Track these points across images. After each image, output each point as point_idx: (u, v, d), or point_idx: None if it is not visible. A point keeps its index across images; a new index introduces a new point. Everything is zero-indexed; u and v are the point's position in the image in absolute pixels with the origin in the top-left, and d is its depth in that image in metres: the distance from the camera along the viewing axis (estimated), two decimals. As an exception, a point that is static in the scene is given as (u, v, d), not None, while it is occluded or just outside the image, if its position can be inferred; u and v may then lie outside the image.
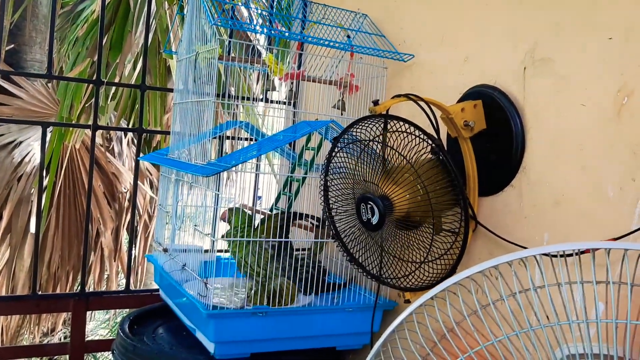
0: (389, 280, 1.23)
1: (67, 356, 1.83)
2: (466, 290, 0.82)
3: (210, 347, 1.30)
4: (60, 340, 4.82)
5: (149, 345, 1.41)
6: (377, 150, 1.20)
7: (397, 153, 1.16)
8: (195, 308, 1.31)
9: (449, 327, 0.84)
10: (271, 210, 1.68)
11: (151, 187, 4.61)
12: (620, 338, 0.71)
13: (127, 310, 2.01)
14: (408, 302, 1.24)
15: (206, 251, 1.48)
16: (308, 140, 1.61)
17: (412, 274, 1.19)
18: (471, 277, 0.79)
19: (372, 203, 1.16)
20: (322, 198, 1.29)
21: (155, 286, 1.89)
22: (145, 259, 4.38)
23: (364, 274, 1.26)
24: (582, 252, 0.76)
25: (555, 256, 0.79)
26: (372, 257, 1.26)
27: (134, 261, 4.66)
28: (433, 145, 1.13)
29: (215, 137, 1.55)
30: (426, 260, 1.17)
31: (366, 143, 1.21)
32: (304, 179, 1.57)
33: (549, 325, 0.75)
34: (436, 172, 1.15)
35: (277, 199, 1.68)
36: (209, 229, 1.32)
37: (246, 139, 1.97)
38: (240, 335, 1.30)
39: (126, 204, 4.39)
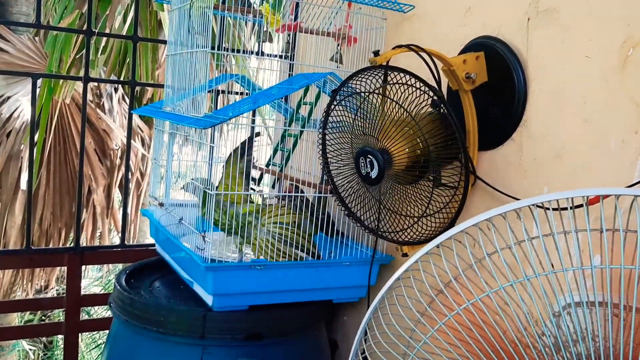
0: (386, 234, 1.24)
1: (63, 310, 1.85)
2: (462, 245, 0.83)
3: (209, 299, 1.32)
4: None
5: (146, 297, 1.43)
6: (377, 103, 1.19)
7: (397, 105, 1.15)
8: (193, 261, 1.32)
9: (445, 282, 0.85)
10: (267, 165, 1.68)
11: (143, 144, 4.59)
12: (615, 287, 0.73)
13: (121, 267, 2.03)
14: (406, 255, 1.25)
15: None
16: (305, 93, 1.59)
17: (411, 228, 1.20)
18: (465, 231, 0.80)
19: (371, 157, 1.16)
20: (320, 153, 1.29)
21: (150, 241, 1.93)
22: (139, 216, 4.39)
23: (362, 228, 1.27)
24: (587, 203, 0.77)
25: (549, 209, 0.80)
26: (370, 211, 1.26)
27: (127, 218, 4.68)
28: (434, 97, 1.12)
29: (209, 91, 1.54)
30: (425, 214, 1.18)
31: (366, 95, 1.20)
32: (300, 133, 1.56)
33: (543, 274, 0.76)
34: (436, 125, 1.15)
35: (274, 154, 1.67)
36: (206, 183, 1.31)
37: (240, 93, 1.96)
38: (238, 287, 1.31)
39: (117, 161, 4.38)
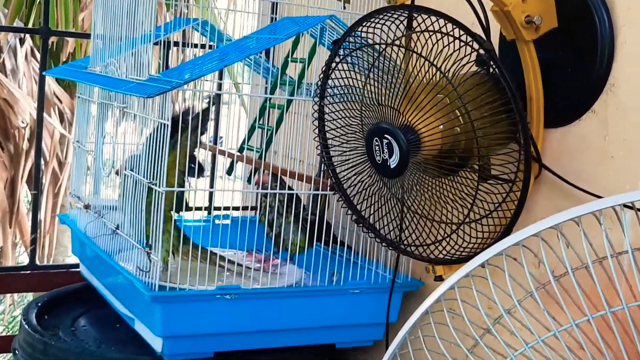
0: (412, 248, 1.24)
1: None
2: (518, 264, 0.83)
3: (157, 343, 1.32)
4: None
5: (67, 342, 1.43)
6: (398, 60, 1.19)
7: (427, 63, 1.15)
8: (134, 289, 1.33)
9: (495, 317, 0.86)
10: (240, 150, 1.70)
11: (61, 120, 4.59)
12: None
13: (31, 297, 2.04)
14: (440, 279, 1.26)
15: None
16: (294, 46, 1.59)
17: (447, 240, 1.21)
18: (522, 244, 0.81)
19: (390, 137, 1.17)
20: (316, 131, 1.30)
21: (72, 260, 1.92)
22: (56, 223, 4.40)
23: (377, 239, 1.27)
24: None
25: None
26: (389, 215, 1.27)
27: (39, 226, 4.68)
28: (480, 51, 1.12)
29: (156, 43, 1.55)
30: (467, 219, 1.19)
31: (382, 49, 1.20)
32: (288, 104, 1.57)
33: (634, 304, 0.77)
34: (483, 91, 1.15)
35: (250, 134, 1.69)
36: (152, 175, 1.32)
37: (202, 46, 1.96)
38: (200, 326, 1.32)
39: (25, 145, 4.38)
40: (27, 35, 4.42)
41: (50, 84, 4.40)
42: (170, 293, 1.30)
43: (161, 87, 1.22)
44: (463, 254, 1.21)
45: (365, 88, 1.23)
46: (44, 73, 1.86)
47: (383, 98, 1.20)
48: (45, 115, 4.38)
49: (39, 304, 1.59)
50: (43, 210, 4.45)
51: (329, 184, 1.43)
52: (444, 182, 1.21)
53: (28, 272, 1.96)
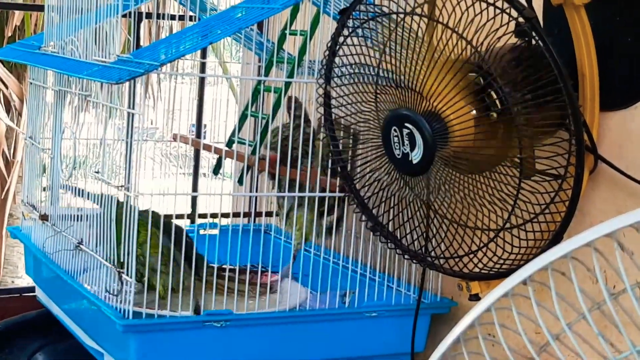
0: (441, 260, 1.25)
1: None
2: (567, 280, 0.82)
3: (130, 382, 1.34)
4: None
5: (22, 383, 1.44)
6: (420, 32, 1.20)
7: (455, 35, 1.16)
8: (103, 317, 1.33)
9: (541, 344, 0.86)
10: (229, 144, 1.71)
11: (7, 110, 4.60)
12: None
13: None
14: (476, 298, 1.27)
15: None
16: (293, 17, 1.61)
17: (483, 250, 1.22)
18: (572, 256, 0.81)
19: (411, 126, 1.19)
20: (321, 119, 1.31)
21: (26, 282, 1.93)
22: (4, 237, 4.40)
23: (398, 251, 1.28)
24: None
25: None
26: (412, 221, 1.28)
27: None
28: (519, 20, 1.13)
29: (125, 15, 1.55)
30: (507, 225, 1.19)
31: (400, 19, 1.21)
32: (286, 87, 1.57)
33: None
34: (524, 68, 1.16)
35: (241, 124, 1.70)
36: (123, 178, 1.35)
37: (181, 18, 1.96)
38: (183, 360, 1.33)
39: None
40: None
41: (-6, 64, 4.40)
42: (146, 321, 1.31)
43: (132, 70, 1.23)
44: (503, 267, 1.22)
45: (381, 67, 1.23)
46: (-17, 54, 1.86)
47: (402, 78, 1.20)
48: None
49: (-14, 337, 1.59)
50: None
51: (337, 185, 1.44)
52: (478, 179, 1.22)
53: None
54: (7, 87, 4.50)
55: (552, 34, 1.26)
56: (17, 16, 4.42)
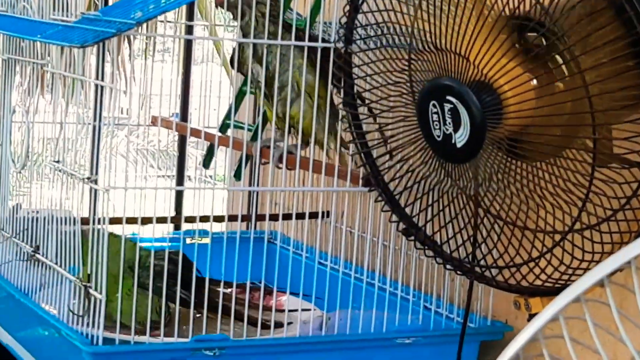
0: (492, 271, 1.24)
1: None
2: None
3: None
4: None
5: None
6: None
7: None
8: (65, 344, 1.32)
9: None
10: (222, 129, 1.72)
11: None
12: None
13: None
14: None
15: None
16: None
17: (547, 258, 1.20)
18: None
19: (455, 100, 1.17)
20: (340, 93, 1.29)
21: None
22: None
23: (437, 259, 1.26)
24: None
25: None
26: (456, 222, 1.27)
27: None
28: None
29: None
30: (576, 226, 1.16)
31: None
32: (299, 51, 1.53)
33: None
34: (599, 26, 1.12)
35: (238, 104, 1.68)
36: (88, 168, 1.33)
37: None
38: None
39: None
40: None
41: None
42: (121, 348, 1.31)
43: (100, 31, 1.20)
44: (572, 278, 1.18)
45: (415, 25, 1.21)
46: None
47: (442, 39, 1.19)
48: None
49: None
50: None
51: (361, 176, 1.45)
52: (540, 167, 1.19)
53: None
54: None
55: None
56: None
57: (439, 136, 1.20)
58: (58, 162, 1.40)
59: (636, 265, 0.79)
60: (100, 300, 1.31)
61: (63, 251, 1.41)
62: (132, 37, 1.31)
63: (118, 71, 4.12)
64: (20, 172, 1.56)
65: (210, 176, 1.81)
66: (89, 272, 1.34)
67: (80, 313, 1.33)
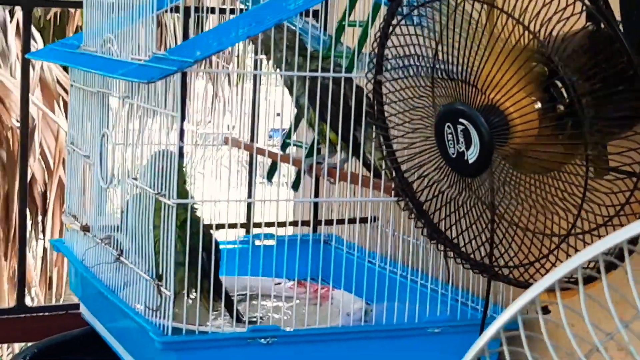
0: (504, 270, 1.25)
1: None
2: None
3: (171, 404, 1.36)
4: None
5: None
6: (479, 19, 1.20)
7: (515, 22, 1.16)
8: (142, 334, 1.36)
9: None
10: (283, 147, 1.74)
11: (67, 116, 4.64)
12: None
13: (17, 349, 2.04)
14: (545, 311, 1.26)
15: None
16: (351, 6, 1.61)
17: (548, 258, 1.22)
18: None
19: (466, 122, 1.19)
20: (374, 114, 1.32)
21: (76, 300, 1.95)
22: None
23: (457, 260, 1.29)
24: None
25: None
26: (476, 227, 1.29)
27: (44, 254, 4.68)
28: (586, 1, 1.11)
29: (164, 11, 1.56)
30: (574, 229, 1.19)
31: (456, 3, 1.21)
32: (347, 82, 1.55)
33: None
34: (593, 55, 1.15)
35: (295, 127, 1.72)
36: (163, 185, 1.36)
37: (232, 11, 1.98)
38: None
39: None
40: (18, 7, 4.48)
41: (53, 69, 4.44)
42: (187, 337, 1.33)
43: (164, 68, 1.24)
44: (572, 277, 1.18)
45: (437, 57, 1.24)
46: (27, 55, 1.91)
47: (457, 70, 1.21)
48: (46, 110, 4.46)
49: (28, 358, 1.64)
50: (49, 234, 4.48)
51: (392, 188, 1.45)
52: (543, 180, 1.22)
53: (14, 316, 2.01)
54: (67, 92, 4.57)
55: (630, 17, 1.22)
56: (77, 16, 4.44)
57: (453, 153, 1.21)
58: (135, 179, 1.45)
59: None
60: (170, 297, 1.34)
61: (142, 255, 1.43)
62: (196, 73, 1.33)
63: (217, 96, 4.02)
64: (107, 188, 1.59)
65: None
66: (160, 272, 1.37)
67: (154, 307, 1.37)
